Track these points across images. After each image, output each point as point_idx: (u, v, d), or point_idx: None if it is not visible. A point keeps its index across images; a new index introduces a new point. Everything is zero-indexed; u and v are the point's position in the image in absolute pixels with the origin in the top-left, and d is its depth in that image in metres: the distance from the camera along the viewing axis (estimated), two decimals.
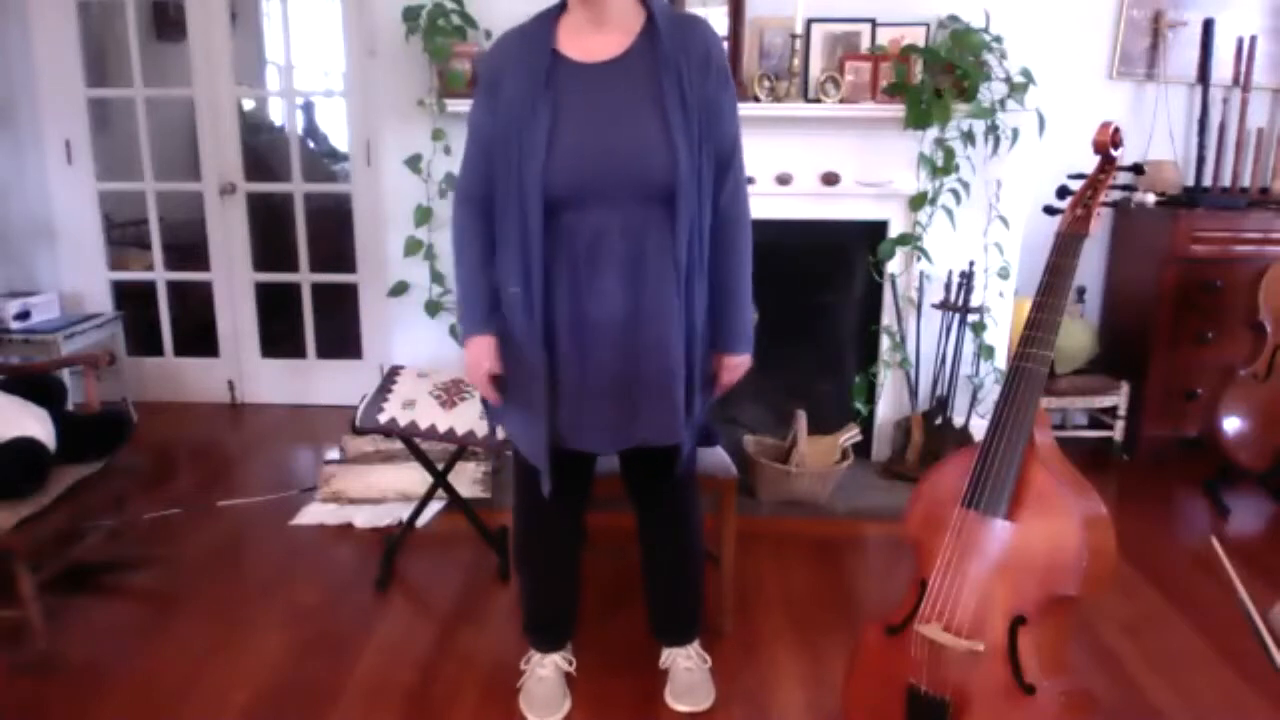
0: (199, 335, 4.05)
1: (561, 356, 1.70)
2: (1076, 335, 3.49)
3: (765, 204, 3.09)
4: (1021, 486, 1.51)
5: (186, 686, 2.07)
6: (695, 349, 1.74)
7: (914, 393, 3.35)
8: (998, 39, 3.01)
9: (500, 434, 1.94)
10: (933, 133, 3.07)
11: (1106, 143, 1.60)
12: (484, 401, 1.89)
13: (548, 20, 1.69)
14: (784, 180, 3.17)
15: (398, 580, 2.56)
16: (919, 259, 3.23)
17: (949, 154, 3.07)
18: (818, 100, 3.07)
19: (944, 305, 3.20)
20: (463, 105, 2.99)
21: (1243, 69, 3.51)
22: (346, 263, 3.91)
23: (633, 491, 1.99)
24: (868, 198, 3.22)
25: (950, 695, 1.55)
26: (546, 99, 1.62)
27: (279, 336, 4.07)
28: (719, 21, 3.06)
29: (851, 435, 3.15)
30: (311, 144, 4.75)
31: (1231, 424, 3.04)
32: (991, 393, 3.29)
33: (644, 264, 1.65)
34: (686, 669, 2.04)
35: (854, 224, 3.27)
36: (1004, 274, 3.26)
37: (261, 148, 4.19)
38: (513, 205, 1.66)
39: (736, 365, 1.84)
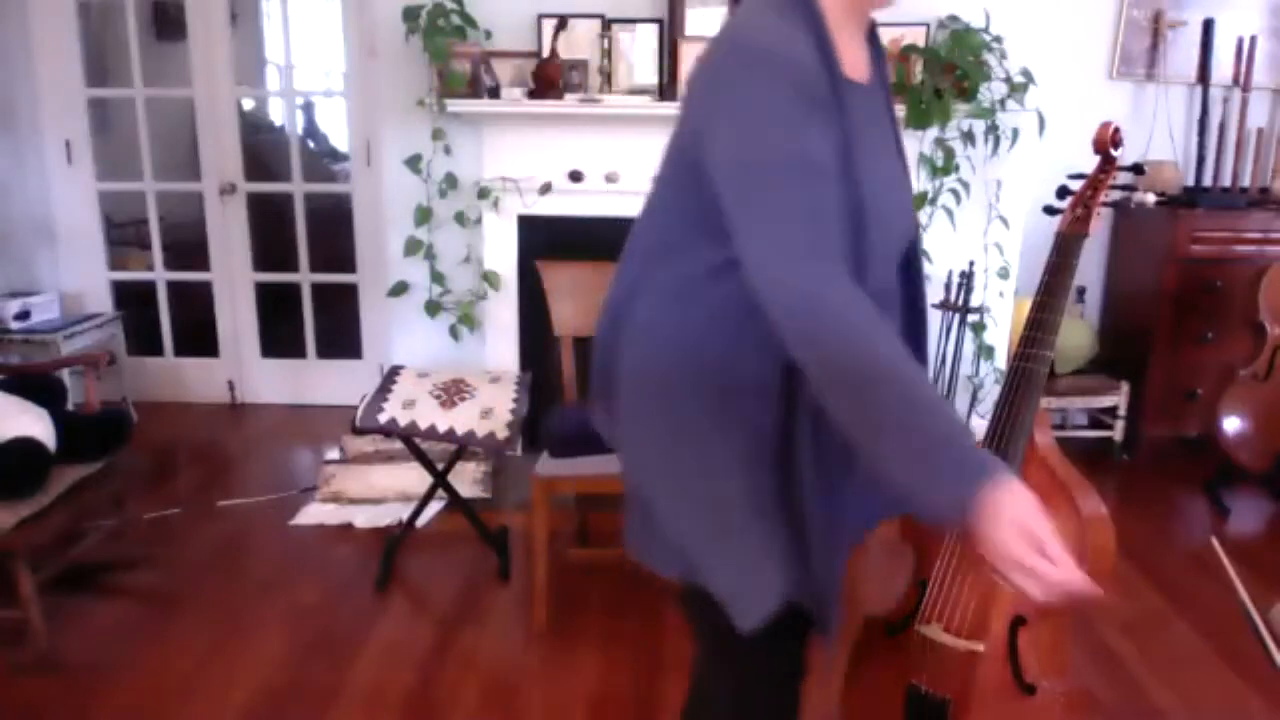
0: (199, 335, 4.05)
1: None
2: (1076, 335, 3.49)
3: None
4: None
5: (187, 686, 2.07)
6: None
7: None
8: (998, 39, 3.01)
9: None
10: (933, 133, 3.07)
11: (1106, 142, 1.59)
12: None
13: (811, 17, 1.07)
14: None
15: (398, 580, 2.56)
16: None
17: (949, 154, 3.07)
18: None
19: (944, 305, 3.20)
20: (462, 105, 2.99)
21: (1243, 69, 3.50)
22: (346, 263, 3.91)
23: None
24: None
25: (950, 695, 1.55)
26: (841, 130, 1.08)
27: (279, 336, 4.06)
28: (719, 22, 3.06)
29: None
30: (311, 144, 4.75)
31: (1232, 424, 3.04)
32: (991, 393, 3.29)
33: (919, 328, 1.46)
34: None
35: None
36: (1004, 274, 3.26)
37: (261, 148, 4.18)
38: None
39: None
